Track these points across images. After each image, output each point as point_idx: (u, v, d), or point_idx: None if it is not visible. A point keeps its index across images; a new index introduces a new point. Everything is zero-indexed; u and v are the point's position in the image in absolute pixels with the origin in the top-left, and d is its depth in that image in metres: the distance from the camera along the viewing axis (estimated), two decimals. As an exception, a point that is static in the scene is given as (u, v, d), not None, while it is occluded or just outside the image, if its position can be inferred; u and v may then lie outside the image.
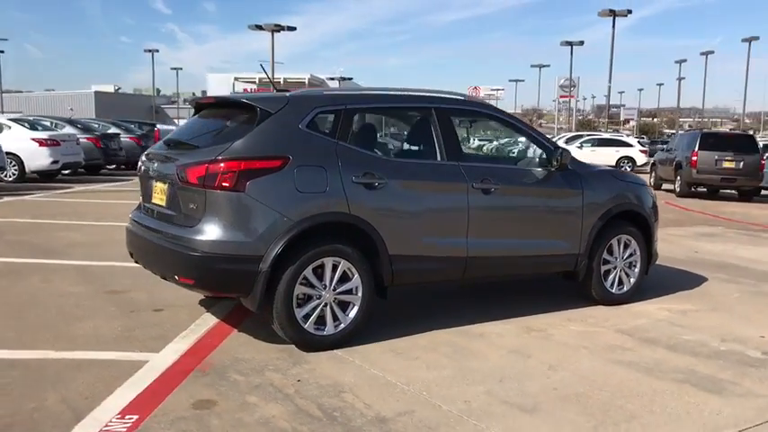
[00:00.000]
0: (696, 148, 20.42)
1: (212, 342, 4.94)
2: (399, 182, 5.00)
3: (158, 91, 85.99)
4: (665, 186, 22.41)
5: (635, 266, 6.45)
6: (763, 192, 21.38)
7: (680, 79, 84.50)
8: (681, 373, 4.62)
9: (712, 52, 72.76)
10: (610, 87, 54.15)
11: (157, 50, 79.21)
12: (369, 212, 4.84)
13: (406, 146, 5.59)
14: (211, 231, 4.50)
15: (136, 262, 5.41)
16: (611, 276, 6.30)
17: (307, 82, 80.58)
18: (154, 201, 5.13)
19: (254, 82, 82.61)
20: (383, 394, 4.08)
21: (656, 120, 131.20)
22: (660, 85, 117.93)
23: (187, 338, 5.00)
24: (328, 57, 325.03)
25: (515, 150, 6.87)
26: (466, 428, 3.66)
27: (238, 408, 3.83)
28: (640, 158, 34.05)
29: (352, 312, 4.88)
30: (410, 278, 5.18)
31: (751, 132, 39.80)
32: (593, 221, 6.02)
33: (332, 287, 4.79)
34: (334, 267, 4.78)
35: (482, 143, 24.92)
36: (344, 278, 4.84)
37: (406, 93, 5.51)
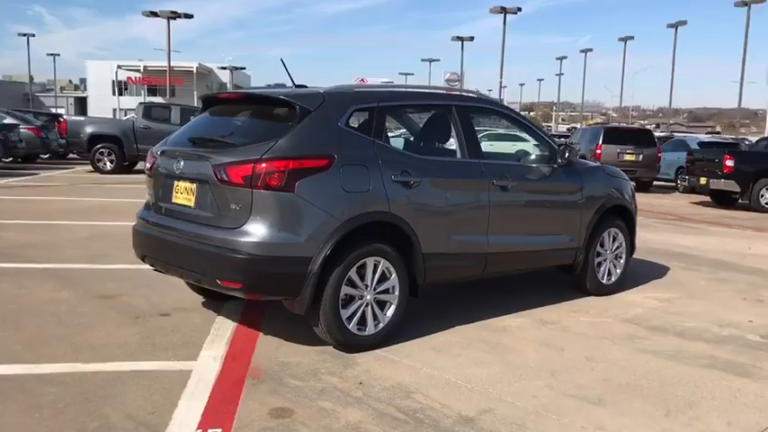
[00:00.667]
0: (600, 142, 21.57)
1: (246, 347, 4.76)
2: (430, 180, 5.01)
3: (31, 78, 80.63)
4: None
5: (621, 258, 6.76)
6: (656, 182, 22.82)
7: (559, 75, 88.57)
8: (703, 358, 4.90)
9: (591, 50, 76.52)
10: (501, 82, 56.16)
11: (33, 35, 73.97)
12: (406, 211, 4.82)
13: (433, 143, 5.59)
14: (259, 233, 4.33)
15: (151, 266, 5.13)
16: (602, 268, 6.58)
17: (195, 71, 78.49)
18: (176, 201, 4.87)
19: (139, 70, 79.50)
20: (452, 393, 4.08)
21: (532, 113, 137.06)
22: (540, 80, 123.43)
23: (216, 344, 4.79)
24: (212, 45, 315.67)
25: (524, 147, 6.99)
26: (551, 423, 3.73)
27: (318, 414, 3.73)
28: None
29: (390, 312, 4.85)
30: (440, 276, 5.21)
31: (651, 127, 42.19)
32: (591, 216, 6.27)
33: (373, 287, 4.74)
34: (375, 267, 4.73)
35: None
36: (383, 278, 4.80)
37: (428, 90, 5.52)
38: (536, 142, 6.09)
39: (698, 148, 22.41)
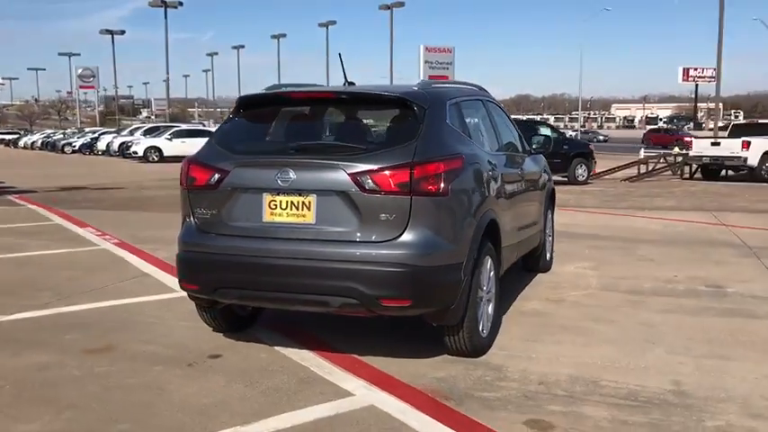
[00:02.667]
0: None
1: (373, 371, 4.31)
2: (503, 174, 5.08)
3: None
4: None
5: (551, 237, 7.47)
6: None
7: (206, 71, 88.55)
8: (725, 310, 5.76)
9: (243, 46, 78.00)
10: (168, 79, 54.24)
11: None
12: (496, 206, 4.83)
13: (487, 138, 5.53)
14: (422, 242, 3.99)
15: (225, 299, 4.40)
16: (548, 246, 7.21)
17: None
18: (273, 219, 4.17)
19: None
20: (618, 373, 4.27)
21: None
22: (186, 76, 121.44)
23: (334, 375, 4.24)
24: None
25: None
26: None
27: (570, 419, 3.65)
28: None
29: (490, 309, 4.82)
30: (505, 268, 5.29)
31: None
32: (546, 198, 6.85)
33: (487, 287, 4.68)
34: (489, 266, 4.68)
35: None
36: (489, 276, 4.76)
37: (465, 84, 5.52)
38: (516, 133, 6.43)
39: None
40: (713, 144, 23.58)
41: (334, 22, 59.80)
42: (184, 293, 5.90)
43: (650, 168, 24.97)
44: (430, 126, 4.26)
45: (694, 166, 24.34)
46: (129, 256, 8.18)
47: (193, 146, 32.13)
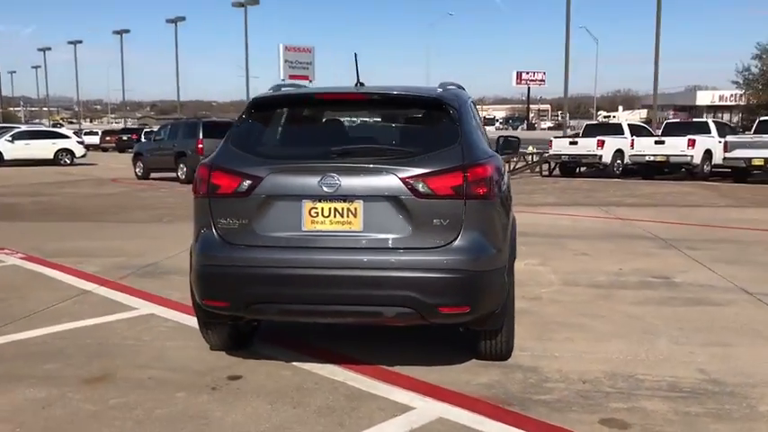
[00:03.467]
0: (201, 137, 21.62)
1: (417, 382, 4.15)
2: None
3: None
4: (157, 175, 23.00)
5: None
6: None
7: (36, 67, 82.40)
8: (689, 300, 6.12)
9: (80, 41, 72.89)
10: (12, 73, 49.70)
11: None
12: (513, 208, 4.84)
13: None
14: (476, 246, 3.90)
15: (263, 314, 4.12)
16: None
17: None
18: (314, 227, 3.91)
19: None
20: (662, 369, 4.42)
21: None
22: (12, 72, 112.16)
23: (378, 389, 4.05)
24: None
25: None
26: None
27: (646, 417, 3.72)
28: (79, 150, 33.08)
29: (512, 310, 4.81)
30: None
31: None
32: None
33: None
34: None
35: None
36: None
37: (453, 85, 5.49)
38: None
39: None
40: (571, 143, 25.20)
41: (183, 18, 57.51)
42: (147, 311, 5.54)
43: (512, 167, 26.18)
44: (466, 128, 4.19)
45: (553, 164, 25.94)
46: (50, 271, 7.39)
47: (42, 148, 29.60)
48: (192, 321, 5.33)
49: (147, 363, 4.53)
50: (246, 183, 3.96)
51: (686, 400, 3.90)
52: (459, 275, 3.83)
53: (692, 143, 22.88)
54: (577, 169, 25.22)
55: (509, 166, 26.39)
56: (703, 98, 65.69)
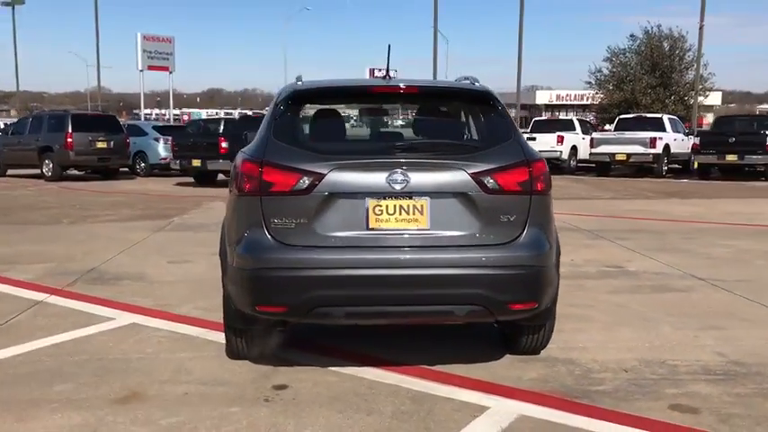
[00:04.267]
0: (70, 130, 20.14)
1: (473, 381, 4.10)
2: None
3: None
4: (13, 172, 21.23)
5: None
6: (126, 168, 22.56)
7: None
8: (655, 287, 6.47)
9: None
10: None
11: None
12: None
13: None
14: (540, 242, 3.91)
15: (327, 317, 3.87)
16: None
17: None
18: (380, 225, 3.75)
19: None
20: (685, 354, 4.64)
21: None
22: None
23: (440, 390, 3.96)
24: None
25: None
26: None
27: (706, 401, 3.89)
28: None
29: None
30: None
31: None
32: None
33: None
34: None
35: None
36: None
37: None
38: None
39: (155, 132, 23.13)
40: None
41: (22, 2, 52.99)
42: (126, 321, 5.10)
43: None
44: (513, 122, 4.18)
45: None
46: (-23, 281, 6.58)
47: None
48: (188, 330, 5.02)
49: (172, 377, 4.15)
50: (307, 180, 3.72)
51: (727, 382, 4.12)
52: (529, 271, 3.82)
53: (560, 139, 24.28)
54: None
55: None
56: (542, 97, 70.53)
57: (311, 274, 3.70)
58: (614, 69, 35.17)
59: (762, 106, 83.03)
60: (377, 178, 3.72)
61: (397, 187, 3.72)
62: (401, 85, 4.24)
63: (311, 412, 3.65)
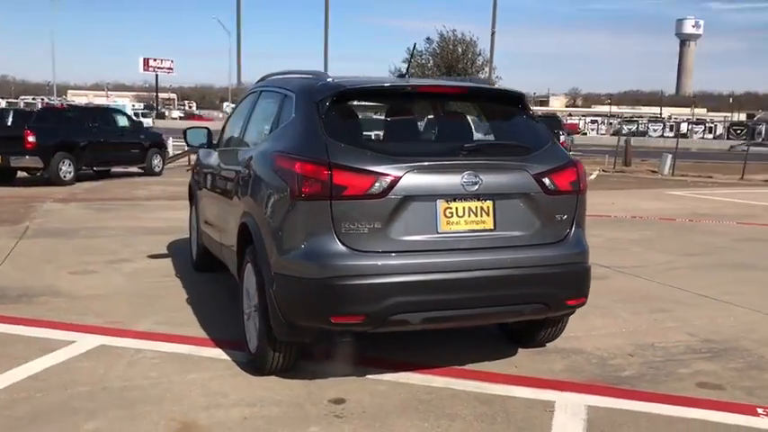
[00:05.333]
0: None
1: (517, 378, 4.22)
2: None
3: None
4: None
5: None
6: None
7: None
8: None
9: None
10: None
11: None
12: None
13: None
14: (584, 240, 4.11)
15: (427, 322, 3.77)
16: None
17: None
18: (450, 228, 3.71)
19: None
20: (662, 334, 5.10)
21: None
22: None
23: (497, 389, 4.04)
24: None
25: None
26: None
27: (737, 375, 4.34)
28: None
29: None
30: None
31: None
32: None
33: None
34: None
35: None
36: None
37: None
38: None
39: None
40: None
41: None
42: (91, 343, 4.60)
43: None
44: (544, 126, 4.34)
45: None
46: None
47: None
48: (172, 348, 4.65)
49: (211, 402, 3.76)
50: (382, 183, 3.57)
51: (718, 359, 4.62)
52: (581, 268, 4.01)
53: None
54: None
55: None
56: None
57: (390, 281, 3.57)
58: (413, 71, 36.88)
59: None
60: (451, 180, 3.68)
61: (471, 189, 3.70)
62: (451, 85, 4.20)
63: (396, 424, 3.53)
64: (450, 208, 3.71)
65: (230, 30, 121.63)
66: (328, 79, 4.11)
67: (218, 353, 4.53)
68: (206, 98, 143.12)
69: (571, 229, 4.02)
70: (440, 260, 3.67)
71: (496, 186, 3.78)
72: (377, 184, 3.56)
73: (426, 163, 3.69)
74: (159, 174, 19.86)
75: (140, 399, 3.77)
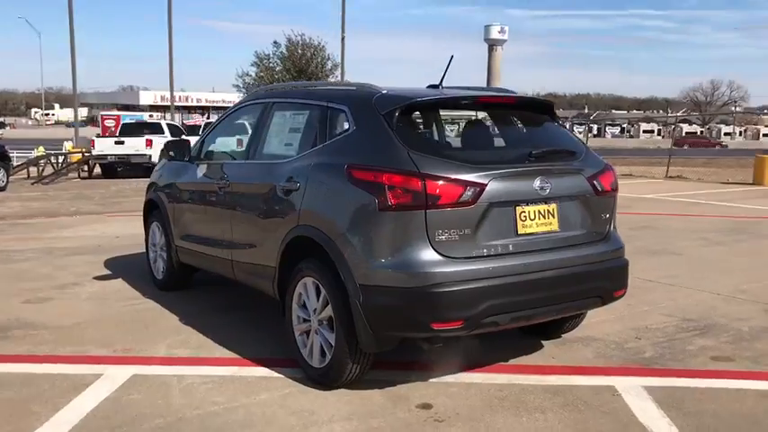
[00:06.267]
0: None
1: (564, 368, 4.53)
2: None
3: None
4: None
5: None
6: None
7: None
8: None
9: None
10: None
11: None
12: None
13: None
14: (617, 235, 4.51)
15: (514, 322, 4.00)
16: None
17: None
18: (525, 231, 3.94)
19: None
20: (642, 317, 5.62)
21: None
22: None
23: (554, 381, 4.34)
24: None
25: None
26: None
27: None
28: None
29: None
30: None
31: None
32: None
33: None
34: None
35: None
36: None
37: None
38: None
39: None
40: (117, 143, 24.39)
41: None
42: (122, 375, 4.41)
43: (40, 173, 23.75)
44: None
45: (92, 164, 24.99)
46: None
47: None
48: (212, 371, 4.49)
49: (307, 421, 3.70)
50: (472, 191, 3.72)
51: (708, 335, 5.21)
52: (624, 262, 4.40)
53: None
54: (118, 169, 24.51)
55: (38, 169, 23.95)
56: (146, 98, 70.32)
57: (484, 285, 3.73)
58: (261, 74, 36.42)
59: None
60: (527, 186, 3.91)
61: (543, 193, 3.96)
62: (503, 95, 4.42)
63: (495, 421, 3.71)
64: (525, 212, 3.93)
65: (40, 30, 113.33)
66: (383, 91, 4.17)
67: (264, 371, 4.42)
68: (8, 104, 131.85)
69: (610, 226, 4.38)
70: (521, 262, 3.88)
71: (561, 190, 4.06)
72: (467, 193, 3.71)
73: (506, 170, 3.88)
74: (4, 188, 18.31)
75: (230, 425, 3.65)
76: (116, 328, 5.35)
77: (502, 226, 3.86)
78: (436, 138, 4.34)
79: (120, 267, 7.48)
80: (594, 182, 4.22)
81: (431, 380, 4.27)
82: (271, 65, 36.35)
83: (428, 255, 3.67)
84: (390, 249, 3.71)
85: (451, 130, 4.39)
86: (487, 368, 4.47)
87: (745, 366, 4.56)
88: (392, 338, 3.86)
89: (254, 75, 36.60)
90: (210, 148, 5.69)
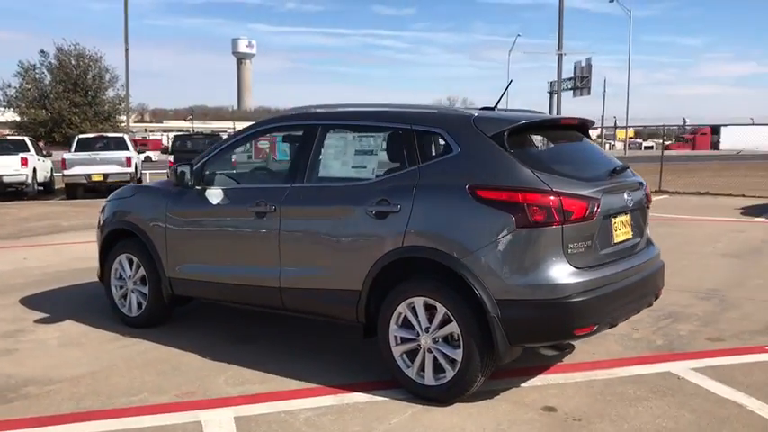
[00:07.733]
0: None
1: (613, 362, 5.05)
2: None
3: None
4: None
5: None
6: None
7: None
8: None
9: None
10: None
11: None
12: None
13: None
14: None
15: (612, 325, 4.42)
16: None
17: None
18: (616, 240, 4.43)
19: None
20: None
21: None
22: None
23: (654, 368, 4.85)
24: None
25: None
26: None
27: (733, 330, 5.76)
28: None
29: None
30: None
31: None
32: None
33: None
34: None
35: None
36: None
37: None
38: None
39: None
40: None
41: None
42: (222, 417, 4.23)
43: None
44: None
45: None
46: None
47: None
48: (325, 401, 4.42)
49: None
50: (594, 205, 4.10)
51: (680, 321, 6.07)
52: (663, 263, 5.03)
53: (24, 162, 22.16)
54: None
55: None
56: None
57: (607, 291, 4.13)
58: (28, 86, 33.12)
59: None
60: (620, 199, 4.44)
61: (630, 205, 4.48)
62: (575, 117, 4.83)
63: (629, 415, 4.08)
64: (616, 222, 4.41)
65: None
66: (476, 114, 4.39)
67: (365, 396, 4.36)
68: None
69: (647, 232, 5.00)
70: (622, 268, 4.35)
71: (635, 202, 4.62)
72: (591, 207, 4.08)
73: (608, 186, 4.37)
74: None
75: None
76: (142, 372, 4.85)
77: (605, 236, 4.28)
78: (545, 158, 4.63)
79: (67, 305, 6.66)
80: (646, 194, 4.85)
81: (522, 385, 4.54)
82: (38, 76, 33.20)
83: (565, 267, 3.97)
84: (528, 264, 3.94)
85: (563, 150, 4.87)
86: (565, 367, 4.86)
87: (757, 342, 5.44)
88: (519, 348, 4.10)
89: (17, 87, 33.20)
90: (223, 172, 5.38)
